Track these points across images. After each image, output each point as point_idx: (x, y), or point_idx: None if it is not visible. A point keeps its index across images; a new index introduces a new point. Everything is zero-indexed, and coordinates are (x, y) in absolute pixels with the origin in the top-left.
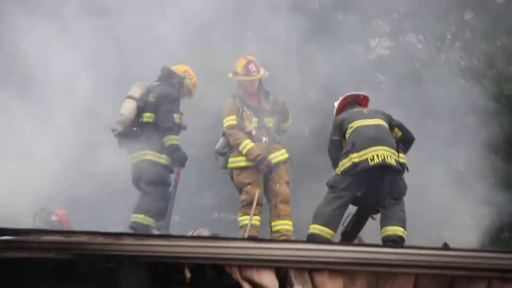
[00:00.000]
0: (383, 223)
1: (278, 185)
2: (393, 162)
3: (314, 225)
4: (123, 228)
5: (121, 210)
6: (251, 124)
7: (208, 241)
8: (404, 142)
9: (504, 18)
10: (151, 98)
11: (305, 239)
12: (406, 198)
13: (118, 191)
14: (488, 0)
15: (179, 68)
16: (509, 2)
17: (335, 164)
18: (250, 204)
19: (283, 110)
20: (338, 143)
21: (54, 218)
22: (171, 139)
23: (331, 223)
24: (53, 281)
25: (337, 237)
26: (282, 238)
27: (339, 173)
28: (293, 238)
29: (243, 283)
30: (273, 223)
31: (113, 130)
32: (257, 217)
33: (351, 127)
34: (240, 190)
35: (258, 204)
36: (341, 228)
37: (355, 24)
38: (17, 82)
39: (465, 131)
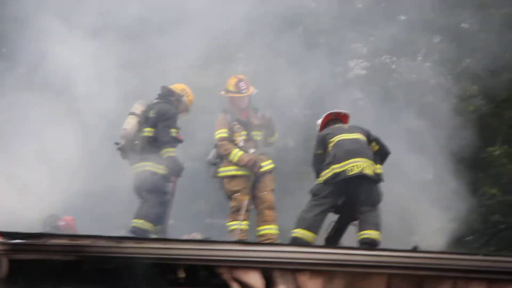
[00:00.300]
0: (360, 228)
1: (264, 192)
2: (370, 173)
3: (297, 229)
4: (123, 232)
5: (122, 216)
6: (240, 137)
7: (201, 244)
8: (381, 155)
9: (468, 41)
10: (151, 114)
11: (289, 242)
12: (381, 205)
13: (120, 198)
14: (454, 25)
15: (177, 87)
16: (473, 27)
17: (318, 175)
18: (238, 210)
19: (270, 124)
20: (321, 156)
21: (62, 223)
22: (168, 152)
23: (313, 227)
24: (60, 281)
25: (319, 242)
26: (268, 241)
27: (321, 182)
28: (278, 241)
29: (232, 283)
30: (259, 228)
31: (116, 144)
32: (245, 222)
33: (333, 141)
34: (230, 198)
35: (246, 210)
36: (324, 234)
37: (336, 46)
38: (36, 90)
39: (434, 143)
